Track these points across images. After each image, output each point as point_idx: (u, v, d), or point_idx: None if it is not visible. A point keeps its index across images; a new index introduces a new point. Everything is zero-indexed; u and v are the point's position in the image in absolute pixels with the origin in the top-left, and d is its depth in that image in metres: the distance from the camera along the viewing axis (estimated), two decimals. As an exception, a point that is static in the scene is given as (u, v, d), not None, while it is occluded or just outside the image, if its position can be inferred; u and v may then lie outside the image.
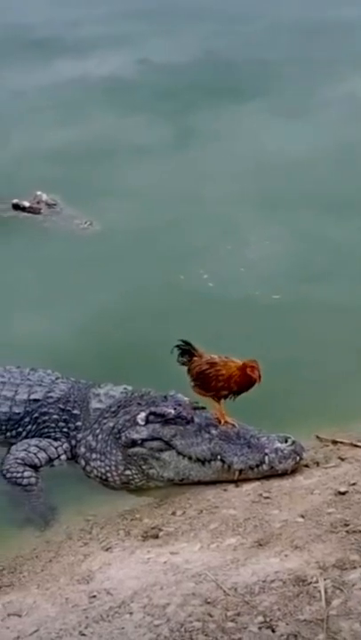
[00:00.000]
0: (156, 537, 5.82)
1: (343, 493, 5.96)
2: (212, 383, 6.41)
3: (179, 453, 6.48)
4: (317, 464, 6.45)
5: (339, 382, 6.97)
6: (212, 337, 7.24)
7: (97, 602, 5.12)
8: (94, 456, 6.65)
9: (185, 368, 6.59)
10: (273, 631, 4.71)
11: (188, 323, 7.91)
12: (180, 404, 6.67)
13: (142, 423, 6.60)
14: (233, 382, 6.35)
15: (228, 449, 6.39)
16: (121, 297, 8.56)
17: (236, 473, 6.36)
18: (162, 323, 8.06)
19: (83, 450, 6.72)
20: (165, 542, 5.73)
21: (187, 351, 6.59)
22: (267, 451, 6.32)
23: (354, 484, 6.06)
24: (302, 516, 5.77)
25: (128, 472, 6.56)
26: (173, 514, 6.10)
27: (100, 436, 6.69)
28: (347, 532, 5.50)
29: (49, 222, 10.33)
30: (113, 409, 6.79)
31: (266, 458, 6.31)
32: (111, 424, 6.70)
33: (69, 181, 11.05)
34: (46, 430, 6.84)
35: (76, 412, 6.87)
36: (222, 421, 6.51)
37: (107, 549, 5.75)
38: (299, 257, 9.19)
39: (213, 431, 6.52)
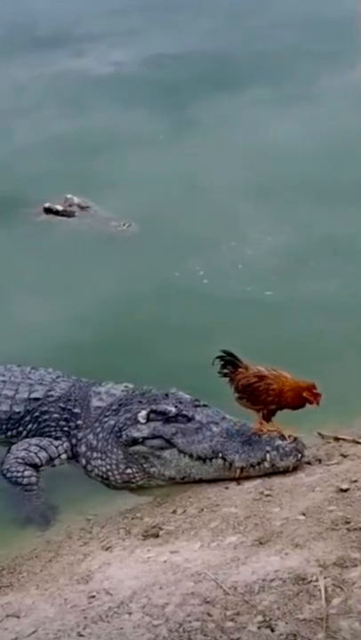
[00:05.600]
0: (157, 536, 5.79)
1: (345, 490, 5.92)
2: (262, 397, 6.29)
3: (180, 451, 6.45)
4: (319, 461, 6.41)
5: (340, 379, 6.93)
6: (200, 334, 7.24)
7: (96, 602, 5.11)
8: (95, 455, 6.63)
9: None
10: (272, 630, 4.69)
11: (177, 319, 7.97)
12: (181, 402, 6.65)
13: (143, 421, 6.58)
14: (284, 398, 6.25)
15: (230, 447, 6.35)
16: (114, 294, 8.57)
17: (238, 471, 6.32)
18: (149, 320, 8.09)
19: (83, 449, 6.70)
20: (166, 541, 5.70)
21: (230, 362, 6.45)
22: (268, 448, 6.28)
23: (356, 480, 6.02)
24: (303, 514, 5.73)
25: (129, 471, 6.54)
26: (174, 512, 6.07)
27: (100, 435, 6.66)
28: (348, 529, 5.47)
29: (85, 225, 10.15)
30: (114, 407, 6.77)
31: (267, 455, 6.27)
32: (112, 422, 6.67)
33: (69, 174, 11.03)
34: (47, 429, 6.83)
35: (76, 410, 6.85)
36: (265, 430, 6.37)
37: (107, 549, 5.72)
38: (298, 253, 9.14)
39: (215, 429, 6.48)
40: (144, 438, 6.53)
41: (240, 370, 6.42)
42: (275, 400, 6.27)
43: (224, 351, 6.47)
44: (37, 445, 6.71)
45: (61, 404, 6.88)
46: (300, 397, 6.21)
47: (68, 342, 7.84)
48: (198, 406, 6.65)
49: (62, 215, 10.34)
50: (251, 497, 6.08)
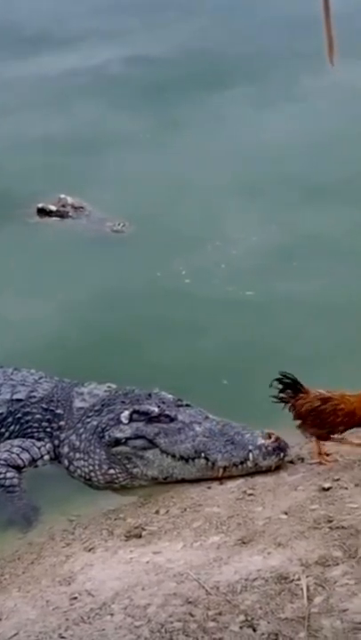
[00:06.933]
0: (140, 536, 5.77)
1: (327, 489, 5.92)
2: (330, 418, 6.04)
3: (162, 452, 6.44)
4: (302, 460, 6.41)
5: (322, 378, 6.90)
6: (181, 334, 7.20)
7: (78, 603, 5.10)
8: (78, 455, 6.61)
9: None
10: (254, 630, 4.69)
11: (158, 320, 7.95)
12: (163, 402, 6.65)
13: (126, 422, 6.57)
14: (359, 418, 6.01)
15: (212, 446, 6.35)
16: (98, 295, 8.56)
17: (220, 470, 6.31)
18: (132, 320, 8.08)
19: (66, 449, 6.68)
20: (148, 542, 5.69)
21: (291, 386, 6.19)
22: (250, 447, 6.28)
23: (338, 479, 6.03)
24: (286, 513, 5.73)
25: (112, 471, 6.52)
26: (157, 513, 6.06)
27: (83, 436, 6.65)
28: (330, 528, 5.47)
29: (79, 226, 10.00)
30: (97, 408, 6.75)
31: (250, 454, 6.27)
32: (95, 423, 6.66)
33: (57, 174, 11.01)
34: (29, 430, 6.80)
35: (59, 411, 6.83)
36: (322, 459, 6.20)
37: (89, 550, 5.71)
38: (283, 252, 9.12)
39: (197, 428, 6.47)
40: (127, 439, 6.52)
41: (301, 395, 6.18)
42: (343, 421, 6.06)
43: (284, 374, 6.19)
44: (20, 447, 6.69)
45: (44, 405, 6.86)
46: None
47: (52, 342, 7.85)
48: (181, 406, 6.65)
49: (56, 216, 10.22)
50: (233, 496, 6.08)
